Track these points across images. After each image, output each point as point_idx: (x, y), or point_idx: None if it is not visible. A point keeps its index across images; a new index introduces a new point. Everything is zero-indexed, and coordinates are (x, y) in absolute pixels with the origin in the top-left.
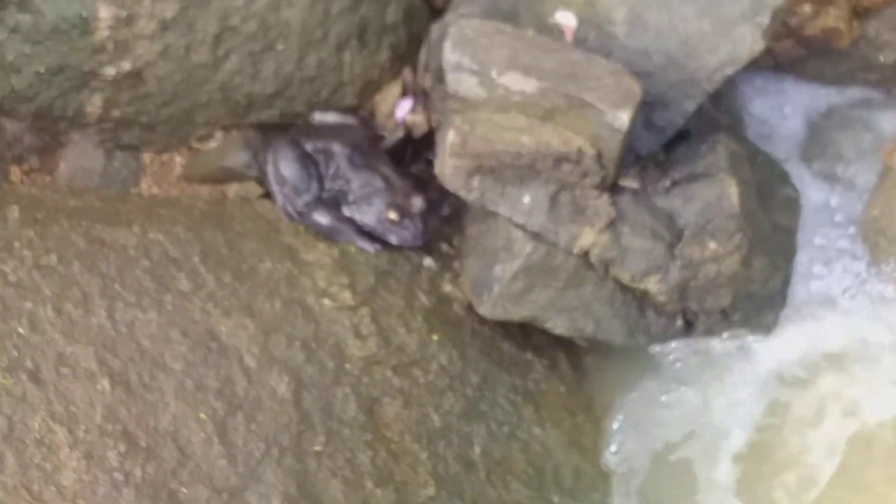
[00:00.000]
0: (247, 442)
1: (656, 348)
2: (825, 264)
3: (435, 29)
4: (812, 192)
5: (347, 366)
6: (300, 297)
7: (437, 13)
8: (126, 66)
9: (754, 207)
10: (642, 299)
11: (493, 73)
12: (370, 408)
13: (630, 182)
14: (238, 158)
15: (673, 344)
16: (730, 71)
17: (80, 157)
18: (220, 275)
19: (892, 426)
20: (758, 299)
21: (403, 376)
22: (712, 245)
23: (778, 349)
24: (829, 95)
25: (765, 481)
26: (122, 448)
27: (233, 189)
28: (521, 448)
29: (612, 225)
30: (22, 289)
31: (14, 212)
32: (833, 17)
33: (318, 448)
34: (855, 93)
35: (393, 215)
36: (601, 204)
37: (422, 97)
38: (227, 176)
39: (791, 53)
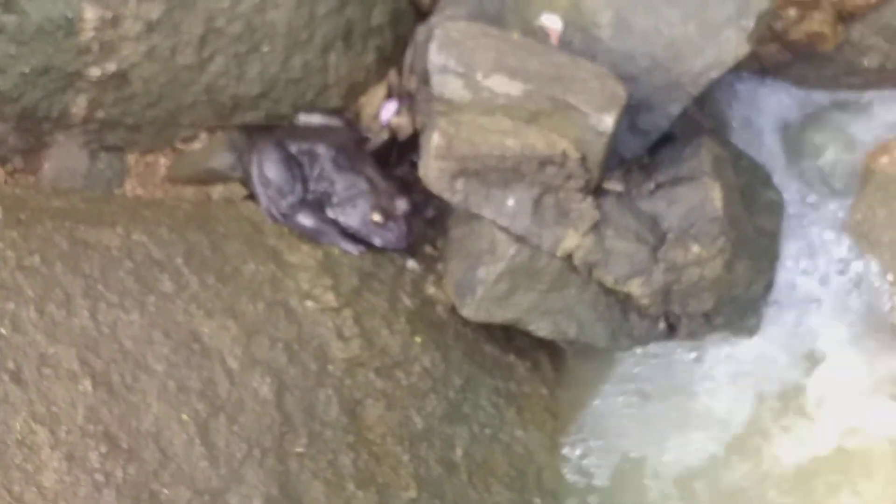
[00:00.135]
0: (229, 443)
1: (637, 351)
2: (808, 267)
3: (421, 31)
4: (795, 195)
5: (330, 367)
6: (283, 299)
7: (423, 15)
8: (111, 67)
9: (738, 211)
10: (625, 302)
11: (479, 76)
12: (352, 409)
13: (614, 185)
14: (223, 160)
15: (653, 347)
16: (714, 74)
17: (65, 158)
18: (203, 276)
19: (875, 432)
20: (741, 303)
21: (386, 378)
22: (695, 248)
23: (760, 352)
24: (814, 99)
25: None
26: (103, 449)
27: (217, 190)
28: (503, 450)
29: (595, 228)
30: (4, 289)
31: None
32: (818, 22)
33: (300, 450)
34: (839, 97)
35: (377, 217)
36: (585, 207)
37: (407, 99)
38: (211, 177)
39: (776, 57)
